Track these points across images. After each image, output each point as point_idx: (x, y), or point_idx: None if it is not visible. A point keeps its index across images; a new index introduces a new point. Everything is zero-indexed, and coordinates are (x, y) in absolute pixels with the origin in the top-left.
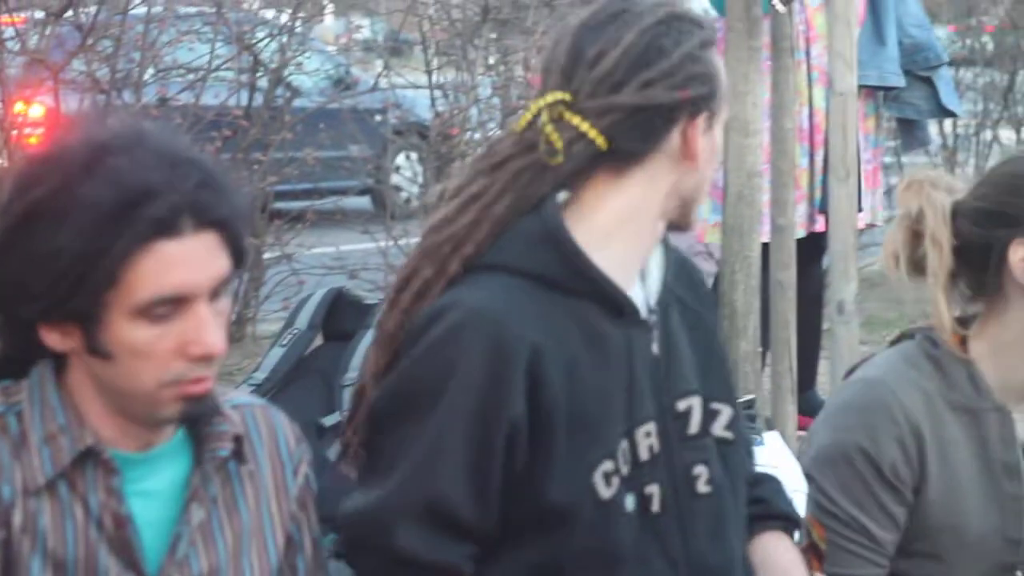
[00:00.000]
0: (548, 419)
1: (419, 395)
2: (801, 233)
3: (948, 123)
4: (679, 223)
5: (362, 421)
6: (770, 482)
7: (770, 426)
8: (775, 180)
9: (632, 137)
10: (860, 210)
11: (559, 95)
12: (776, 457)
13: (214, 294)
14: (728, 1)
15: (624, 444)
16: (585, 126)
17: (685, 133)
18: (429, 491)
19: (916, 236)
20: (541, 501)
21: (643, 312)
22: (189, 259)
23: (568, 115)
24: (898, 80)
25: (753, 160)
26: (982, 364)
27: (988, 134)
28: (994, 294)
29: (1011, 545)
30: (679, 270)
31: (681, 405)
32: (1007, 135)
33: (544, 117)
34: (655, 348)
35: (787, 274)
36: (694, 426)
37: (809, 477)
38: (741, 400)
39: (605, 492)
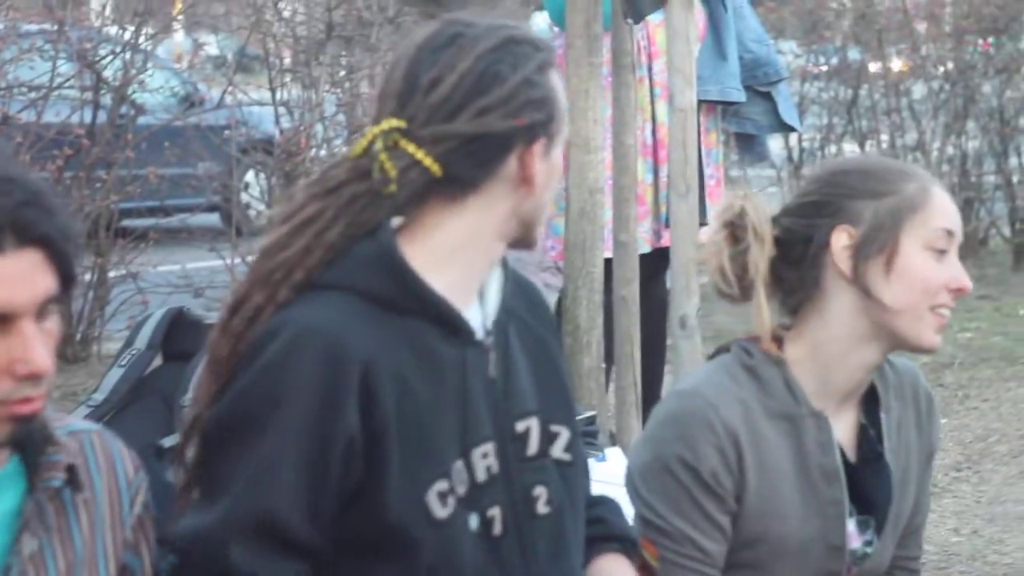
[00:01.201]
0: (381, 436)
1: (252, 415)
2: (647, 248)
3: (793, 137)
4: (523, 243)
5: (196, 446)
6: (609, 503)
7: (614, 441)
8: (617, 196)
9: (467, 164)
10: (704, 224)
11: (394, 122)
12: (618, 473)
13: (41, 313)
14: (568, 18)
15: (459, 464)
16: (420, 154)
17: (522, 159)
18: (262, 509)
19: (736, 238)
20: (378, 520)
21: (480, 333)
22: (12, 277)
23: (403, 143)
24: (739, 95)
25: (595, 176)
26: (800, 368)
27: (833, 148)
28: (812, 290)
29: (834, 551)
30: (519, 290)
31: (520, 426)
32: (851, 148)
33: (379, 145)
34: (492, 369)
35: (630, 289)
36: (532, 447)
37: (634, 493)
38: (583, 416)
39: (440, 512)
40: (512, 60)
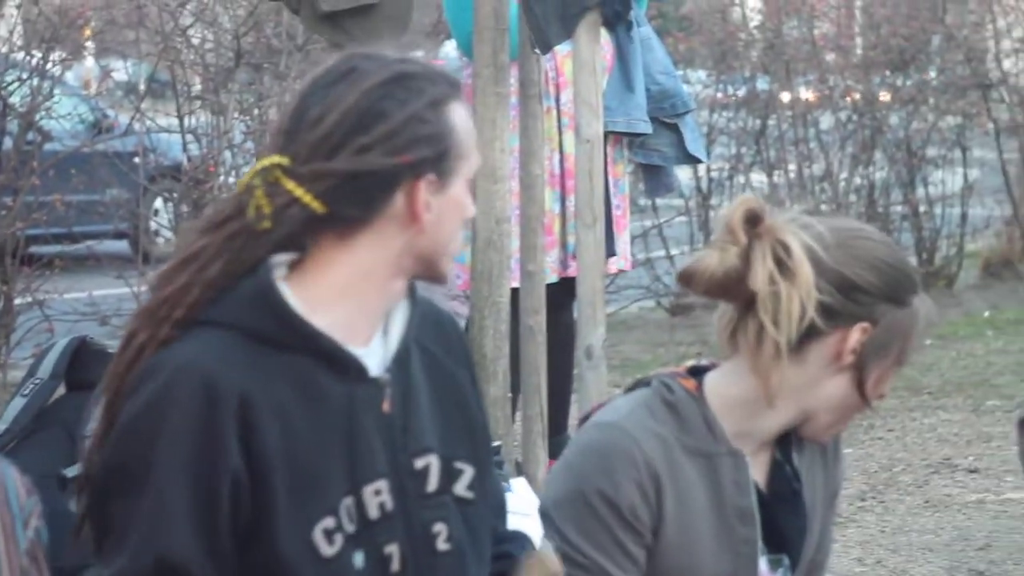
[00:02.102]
0: (265, 472)
1: (135, 457)
2: (554, 278)
3: (702, 167)
4: (429, 278)
5: (87, 491)
6: (519, 539)
7: (520, 471)
8: (524, 226)
9: (351, 202)
10: (613, 255)
11: (276, 159)
12: (523, 503)
13: None
14: (475, 48)
15: (348, 501)
16: (299, 191)
17: (409, 196)
18: (159, 555)
19: (781, 273)
20: (270, 558)
21: (378, 369)
22: None
23: (283, 180)
24: (646, 127)
25: (501, 206)
26: (725, 409)
27: (741, 178)
28: (799, 355)
29: None
30: (429, 324)
31: (418, 463)
32: (759, 179)
33: (257, 181)
34: (388, 406)
35: (537, 319)
36: (432, 484)
37: (548, 523)
38: (493, 445)
39: (327, 550)
40: (401, 96)
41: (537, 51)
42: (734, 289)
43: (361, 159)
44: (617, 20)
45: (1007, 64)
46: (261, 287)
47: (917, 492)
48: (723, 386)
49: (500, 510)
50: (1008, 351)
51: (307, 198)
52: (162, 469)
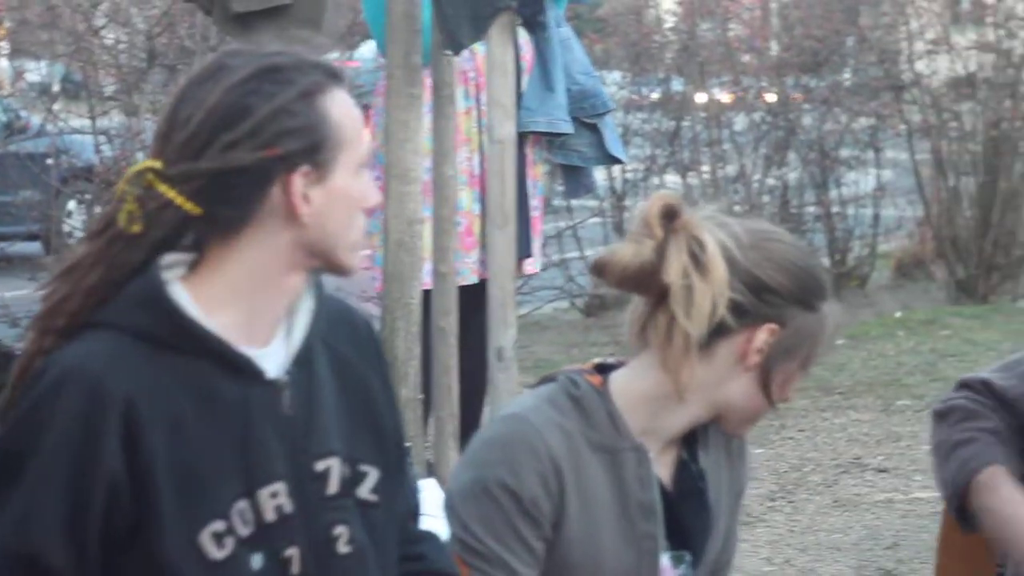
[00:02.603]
0: (149, 475)
1: (15, 455)
2: (474, 279)
3: (616, 167)
4: (331, 272)
5: None
6: (431, 540)
7: (432, 472)
8: (437, 227)
9: (223, 201)
10: (530, 256)
11: (149, 163)
12: (432, 504)
13: None
14: (388, 49)
15: (242, 504)
16: (171, 193)
17: (285, 190)
18: (25, 548)
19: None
20: (151, 561)
21: (277, 370)
22: None
23: (156, 183)
24: (567, 127)
25: (414, 207)
26: (632, 405)
27: (655, 179)
28: (708, 356)
29: None
30: (339, 324)
31: (319, 466)
32: (673, 180)
33: (130, 186)
34: (288, 407)
35: (448, 320)
36: (333, 487)
37: (451, 513)
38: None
39: (216, 553)
40: (267, 90)
41: (448, 52)
42: (647, 282)
43: (227, 156)
44: (535, 21)
45: (920, 66)
46: (149, 288)
47: (826, 492)
48: (630, 382)
49: (413, 512)
50: (919, 351)
51: (179, 200)
52: (38, 465)
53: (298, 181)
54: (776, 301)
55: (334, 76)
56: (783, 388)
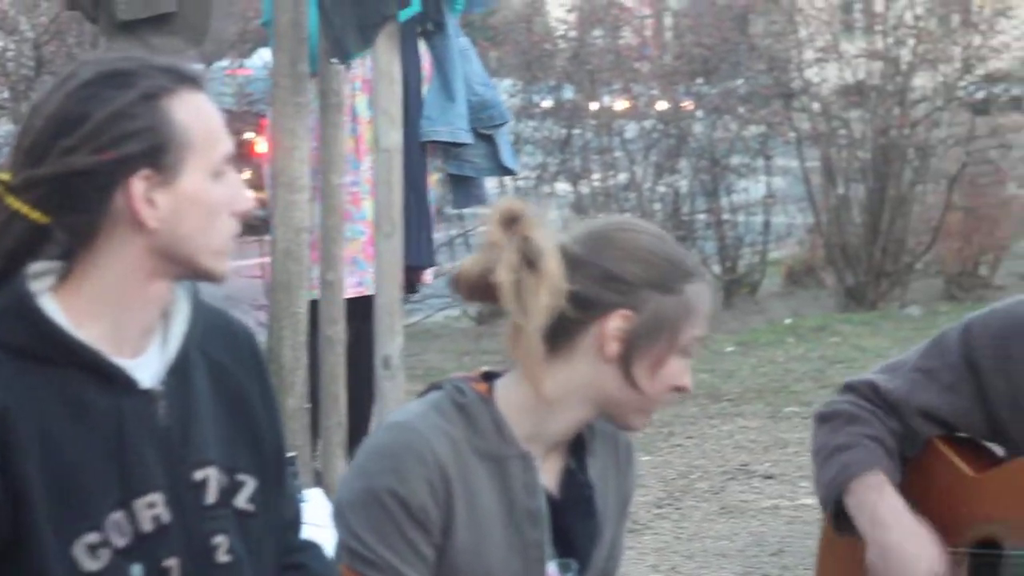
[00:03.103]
0: (24, 488)
1: None
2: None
3: (509, 176)
4: (196, 278)
5: None
6: (312, 549)
7: (319, 481)
8: (324, 236)
9: (67, 208)
10: (433, 264)
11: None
12: (318, 514)
13: None
14: (274, 58)
15: (119, 515)
16: (17, 204)
17: (127, 194)
18: None
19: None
20: (29, 573)
21: (151, 380)
22: None
23: (4, 195)
24: (467, 137)
25: (300, 216)
26: (516, 412)
27: (547, 187)
28: (567, 351)
29: None
30: (217, 334)
31: (197, 475)
32: (564, 188)
33: None
34: (163, 417)
35: (336, 329)
36: (211, 496)
37: (341, 522)
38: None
39: (91, 565)
40: (107, 94)
41: (335, 61)
42: (491, 289)
43: (64, 161)
44: (435, 30)
45: (809, 73)
46: (16, 300)
47: (713, 499)
48: (509, 390)
49: (294, 522)
50: (808, 357)
51: (24, 209)
52: None
53: (138, 185)
54: (624, 287)
55: (185, 79)
56: (657, 375)
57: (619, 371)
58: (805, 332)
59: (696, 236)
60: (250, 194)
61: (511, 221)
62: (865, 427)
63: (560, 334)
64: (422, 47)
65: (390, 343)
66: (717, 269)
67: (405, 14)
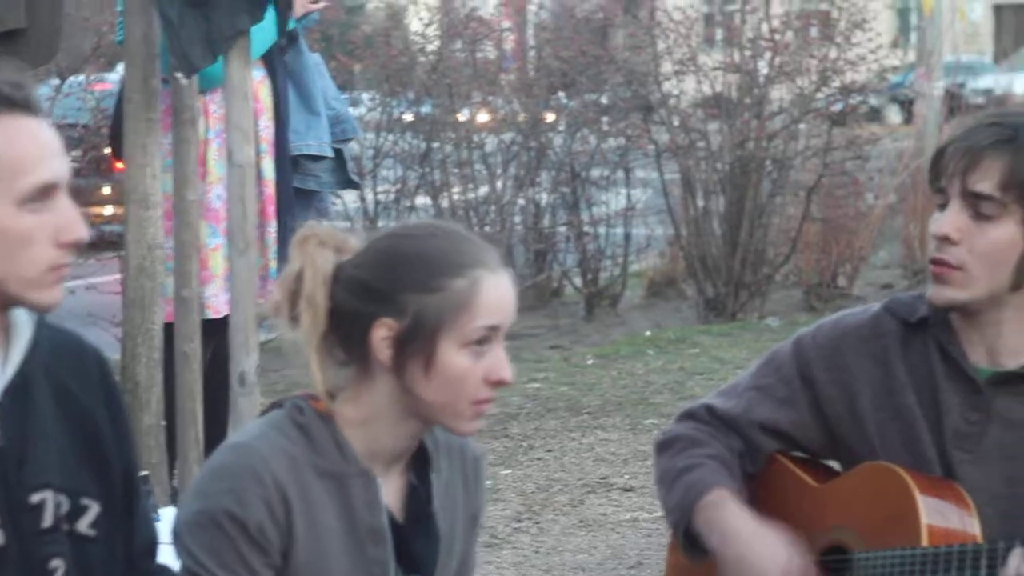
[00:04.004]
0: None
1: None
2: None
3: (369, 190)
4: (28, 309)
5: None
6: (164, 573)
7: (176, 499)
8: (179, 252)
9: None
10: None
11: None
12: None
13: None
14: (126, 73)
15: None
16: None
17: None
18: None
19: (296, 295)
20: None
21: None
22: None
23: None
24: (330, 150)
25: (154, 232)
26: (350, 429)
27: (407, 201)
28: (362, 364)
29: None
30: (64, 355)
31: (34, 498)
32: (424, 202)
33: None
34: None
35: (192, 346)
36: (47, 520)
37: (179, 544)
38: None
39: None
40: None
41: (179, 75)
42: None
43: None
44: (289, 44)
45: (667, 86)
46: None
47: (572, 512)
48: (345, 407)
49: (148, 546)
50: (667, 369)
51: None
52: None
53: None
54: (378, 296)
55: (5, 103)
56: (432, 375)
57: (406, 375)
58: (665, 344)
59: (557, 249)
60: (80, 223)
61: (302, 243)
62: (705, 448)
63: (354, 351)
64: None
65: (245, 360)
66: (578, 282)
67: (271, 33)
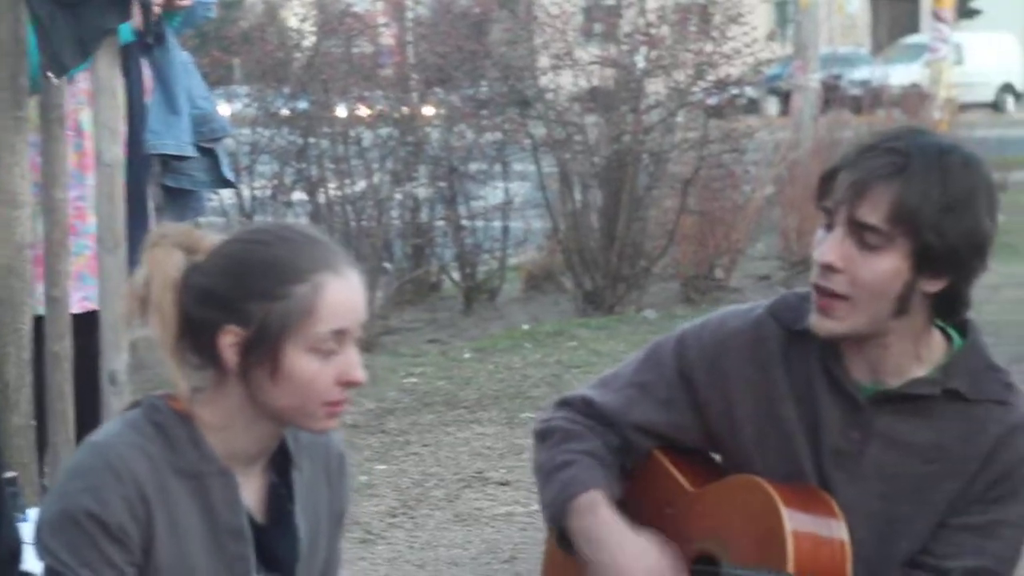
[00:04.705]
0: None
1: None
2: None
3: (245, 186)
4: None
5: None
6: None
7: None
8: (48, 251)
9: None
10: None
11: None
12: None
13: None
14: None
15: None
16: None
17: None
18: None
19: (145, 300)
20: None
21: None
22: None
23: None
24: (192, 150)
25: (22, 232)
26: (209, 430)
27: (284, 197)
28: (216, 368)
29: None
30: None
31: None
32: (301, 197)
33: None
34: None
35: (63, 345)
36: None
37: (40, 544)
38: (6, 476)
39: None
40: None
41: (50, 75)
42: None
43: None
44: (156, 44)
45: (544, 80)
46: None
47: (447, 507)
48: (203, 410)
49: (13, 551)
50: (545, 363)
51: None
52: None
53: None
54: (222, 303)
55: None
56: (280, 380)
57: (256, 380)
58: (543, 337)
59: (435, 243)
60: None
61: (152, 248)
62: (582, 443)
63: (206, 356)
64: (143, 61)
65: (116, 359)
66: (457, 276)
67: (126, 30)
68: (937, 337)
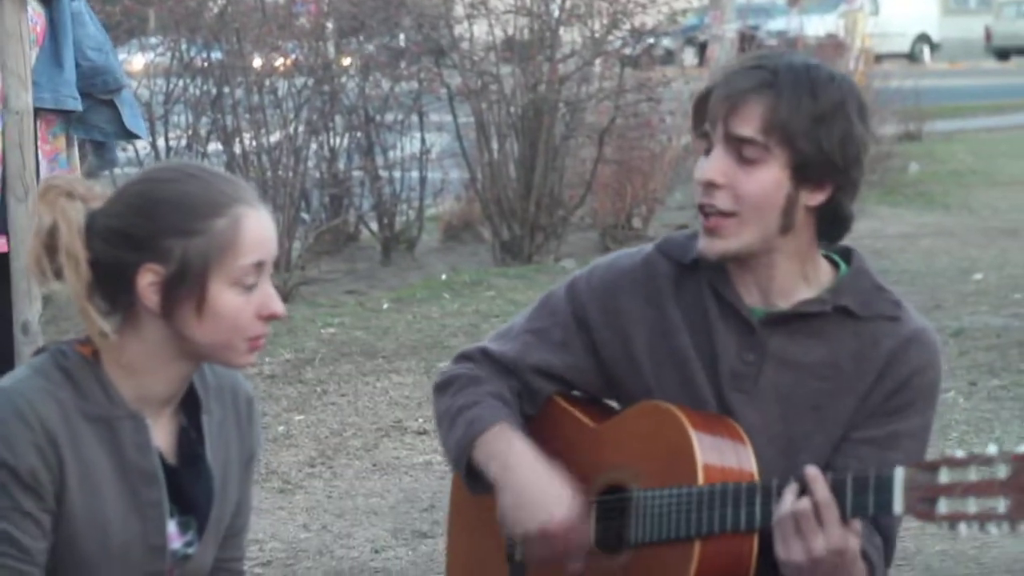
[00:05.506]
0: None
1: None
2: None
3: (160, 137)
4: None
5: None
6: None
7: None
8: None
9: None
10: None
11: None
12: None
13: None
14: None
15: None
16: None
17: None
18: None
19: (53, 248)
20: None
21: None
22: None
23: None
24: (75, 104)
25: None
26: (118, 373)
27: (200, 147)
28: (128, 310)
29: (155, 552)
30: None
31: None
32: (216, 148)
33: None
34: None
35: None
36: None
37: None
38: None
39: None
40: None
41: None
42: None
43: None
44: None
45: (459, 30)
46: None
47: (366, 456)
48: (113, 354)
49: None
50: (463, 312)
51: None
52: None
53: None
54: (138, 243)
55: None
56: (204, 315)
57: (180, 318)
58: (460, 287)
59: (352, 194)
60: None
61: (45, 195)
62: (485, 385)
63: (119, 299)
64: (37, 9)
65: (28, 309)
66: (375, 226)
67: None
68: (824, 263)
